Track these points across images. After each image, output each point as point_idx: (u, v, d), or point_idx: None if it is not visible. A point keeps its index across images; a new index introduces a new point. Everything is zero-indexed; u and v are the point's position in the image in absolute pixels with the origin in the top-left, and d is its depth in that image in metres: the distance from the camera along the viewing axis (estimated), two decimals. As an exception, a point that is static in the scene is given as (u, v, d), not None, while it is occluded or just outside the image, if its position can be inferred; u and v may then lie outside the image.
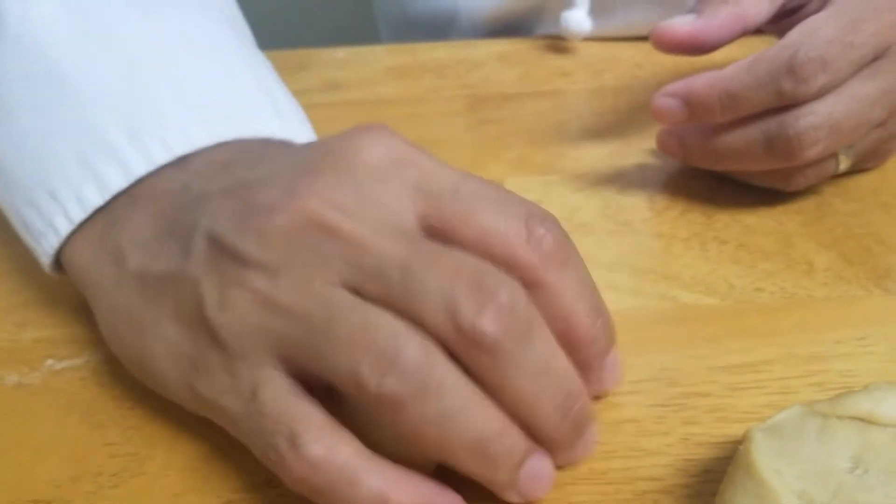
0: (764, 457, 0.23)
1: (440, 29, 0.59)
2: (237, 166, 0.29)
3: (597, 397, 0.29)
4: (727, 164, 0.38)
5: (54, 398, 0.31)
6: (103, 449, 0.29)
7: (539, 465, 0.25)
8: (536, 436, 0.25)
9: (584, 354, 0.26)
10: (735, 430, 0.28)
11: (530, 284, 0.25)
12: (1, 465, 0.29)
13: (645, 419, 0.29)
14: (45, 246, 0.31)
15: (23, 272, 0.36)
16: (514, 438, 0.24)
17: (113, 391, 0.31)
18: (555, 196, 0.40)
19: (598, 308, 0.27)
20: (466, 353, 0.24)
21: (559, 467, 0.27)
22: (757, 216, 0.38)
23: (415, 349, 0.23)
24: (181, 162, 0.30)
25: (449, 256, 0.24)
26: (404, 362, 0.23)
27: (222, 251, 0.26)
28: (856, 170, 0.39)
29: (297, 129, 0.34)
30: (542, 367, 0.24)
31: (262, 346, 0.25)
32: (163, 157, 0.30)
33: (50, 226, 0.31)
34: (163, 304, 0.27)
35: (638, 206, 0.39)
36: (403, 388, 0.23)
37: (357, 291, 0.24)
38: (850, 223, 0.37)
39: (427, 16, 0.60)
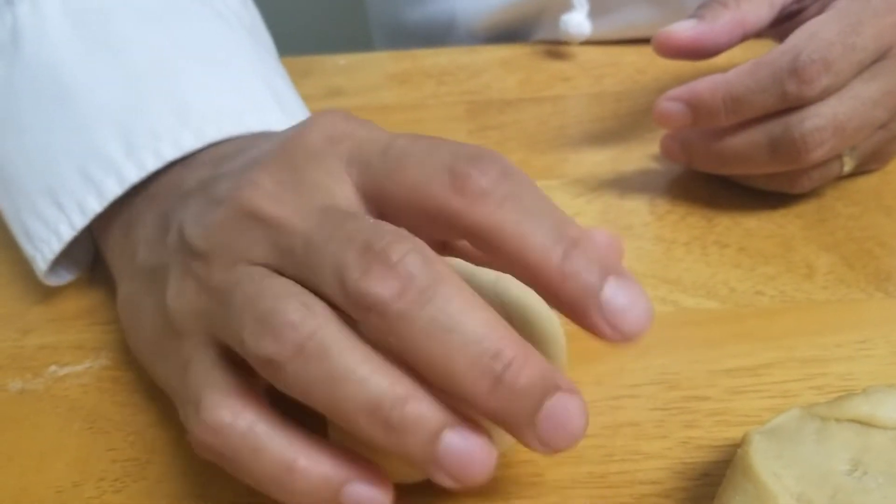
0: (762, 460, 0.23)
1: (436, 38, 0.59)
2: (225, 160, 0.30)
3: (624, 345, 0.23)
4: (732, 168, 0.38)
5: (57, 404, 0.31)
6: (105, 454, 0.29)
7: (460, 440, 0.22)
8: (477, 412, 0.23)
9: (564, 295, 0.23)
10: (735, 434, 0.28)
11: (466, 233, 0.24)
12: (4, 471, 0.29)
13: (644, 422, 0.29)
14: (46, 252, 0.33)
15: (26, 279, 0.36)
16: (422, 406, 0.22)
17: (115, 397, 0.31)
18: (556, 201, 0.40)
19: (565, 236, 0.23)
20: (361, 319, 0.23)
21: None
22: (757, 220, 0.38)
23: (294, 310, 0.22)
24: (190, 156, 0.32)
25: (350, 225, 0.23)
26: (279, 323, 0.22)
27: (183, 243, 0.27)
28: (857, 172, 0.39)
29: (299, 117, 0.35)
30: (449, 327, 0.22)
31: (198, 327, 0.26)
32: (154, 164, 0.32)
33: (54, 233, 0.33)
34: (154, 294, 0.29)
35: (639, 210, 0.39)
36: (278, 349, 0.22)
37: (279, 271, 0.24)
38: (850, 226, 0.37)
39: (423, 24, 0.60)
